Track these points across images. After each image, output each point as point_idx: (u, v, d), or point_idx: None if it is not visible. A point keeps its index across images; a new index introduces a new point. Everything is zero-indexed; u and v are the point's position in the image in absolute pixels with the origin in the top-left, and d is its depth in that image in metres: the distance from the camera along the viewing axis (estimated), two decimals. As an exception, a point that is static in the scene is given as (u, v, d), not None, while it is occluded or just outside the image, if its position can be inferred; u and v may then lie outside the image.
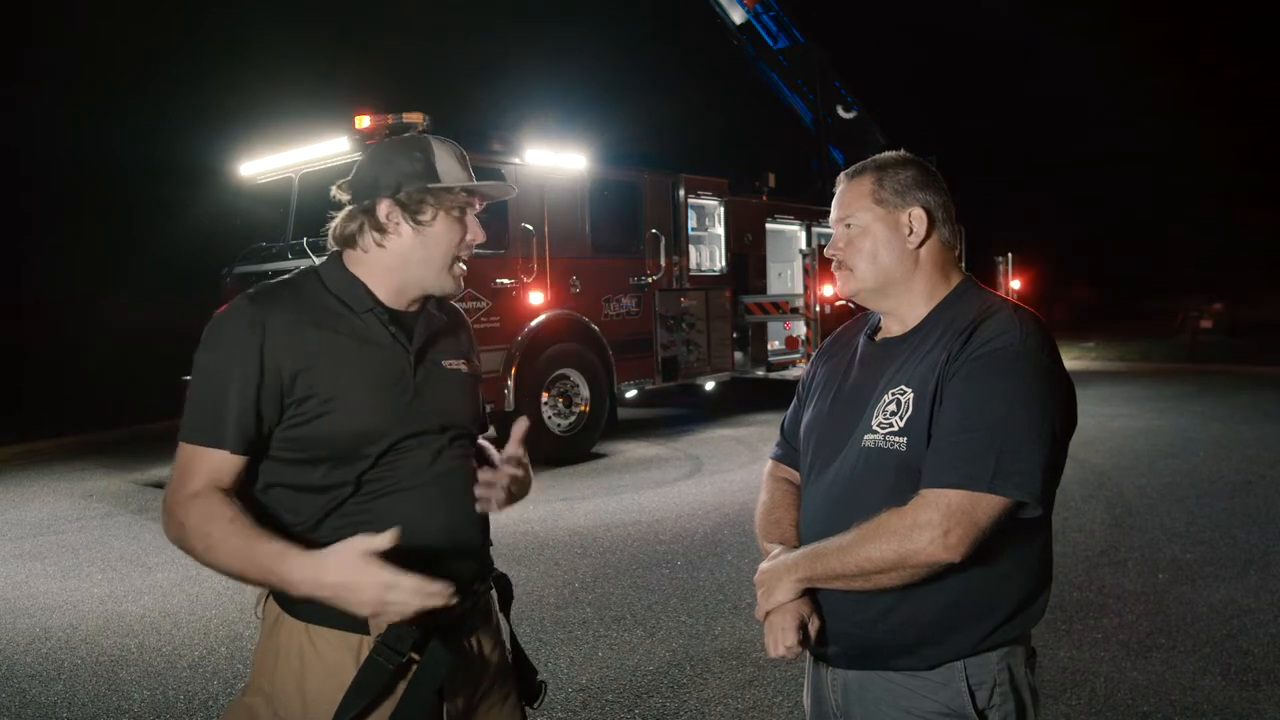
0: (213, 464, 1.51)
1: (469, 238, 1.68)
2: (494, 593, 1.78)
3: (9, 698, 3.76)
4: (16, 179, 16.74)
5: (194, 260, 11.55)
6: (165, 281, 15.66)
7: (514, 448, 1.71)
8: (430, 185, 1.61)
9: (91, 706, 3.65)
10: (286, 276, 1.67)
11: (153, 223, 16.68)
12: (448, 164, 1.64)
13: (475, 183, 1.67)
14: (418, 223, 1.62)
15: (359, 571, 1.39)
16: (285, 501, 1.57)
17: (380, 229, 1.63)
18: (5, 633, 4.51)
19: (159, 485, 7.98)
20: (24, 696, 3.76)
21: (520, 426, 1.71)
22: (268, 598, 1.62)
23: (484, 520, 1.73)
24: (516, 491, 1.73)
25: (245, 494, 1.55)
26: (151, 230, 16.67)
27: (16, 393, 13.16)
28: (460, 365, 1.74)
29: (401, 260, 1.64)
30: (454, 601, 1.43)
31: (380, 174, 1.63)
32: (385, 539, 1.39)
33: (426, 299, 1.72)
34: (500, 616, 1.79)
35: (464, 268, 1.70)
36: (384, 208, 1.62)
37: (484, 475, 1.65)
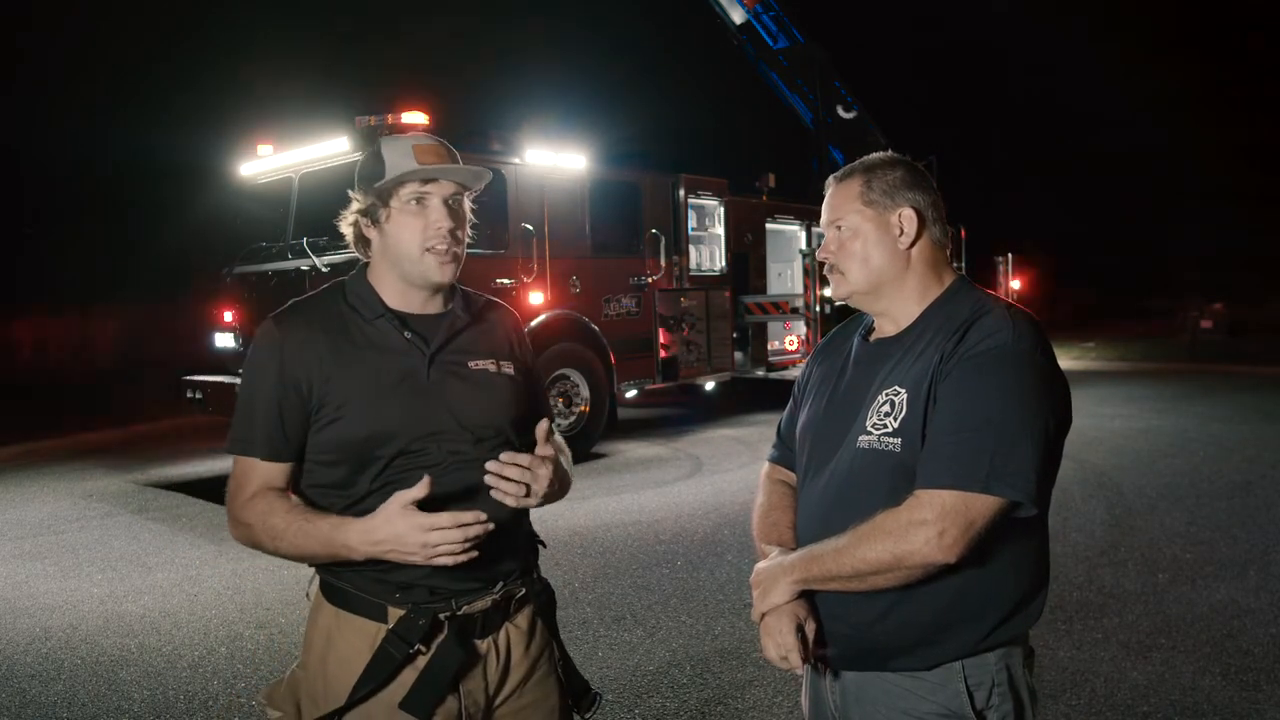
0: (259, 471, 1.65)
1: (434, 225, 1.67)
2: (531, 595, 1.79)
3: (9, 698, 3.76)
4: (16, 179, 16.74)
5: (194, 260, 11.55)
6: (165, 281, 15.67)
7: (541, 448, 1.68)
8: (375, 184, 1.67)
9: (91, 706, 3.65)
10: (316, 291, 1.78)
11: (153, 223, 16.68)
12: (395, 158, 1.67)
13: (417, 168, 1.65)
14: (376, 224, 1.70)
15: (401, 521, 1.50)
16: (316, 498, 1.67)
17: (362, 238, 1.74)
18: (5, 633, 4.51)
19: (159, 485, 7.98)
20: (24, 696, 3.76)
21: (541, 427, 1.71)
22: (315, 580, 1.71)
23: (514, 522, 1.72)
24: (552, 491, 1.70)
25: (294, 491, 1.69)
26: (151, 230, 16.67)
27: (17, 393, 13.17)
28: (488, 365, 1.75)
29: (383, 261, 1.72)
30: (489, 527, 1.53)
31: (354, 186, 1.73)
32: (420, 488, 1.51)
33: (449, 298, 1.77)
34: (540, 621, 1.80)
35: (438, 257, 1.67)
36: (354, 218, 1.73)
37: (492, 465, 1.62)
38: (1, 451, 10.01)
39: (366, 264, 1.77)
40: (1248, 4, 27.69)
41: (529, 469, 1.63)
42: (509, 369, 1.78)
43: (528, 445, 1.73)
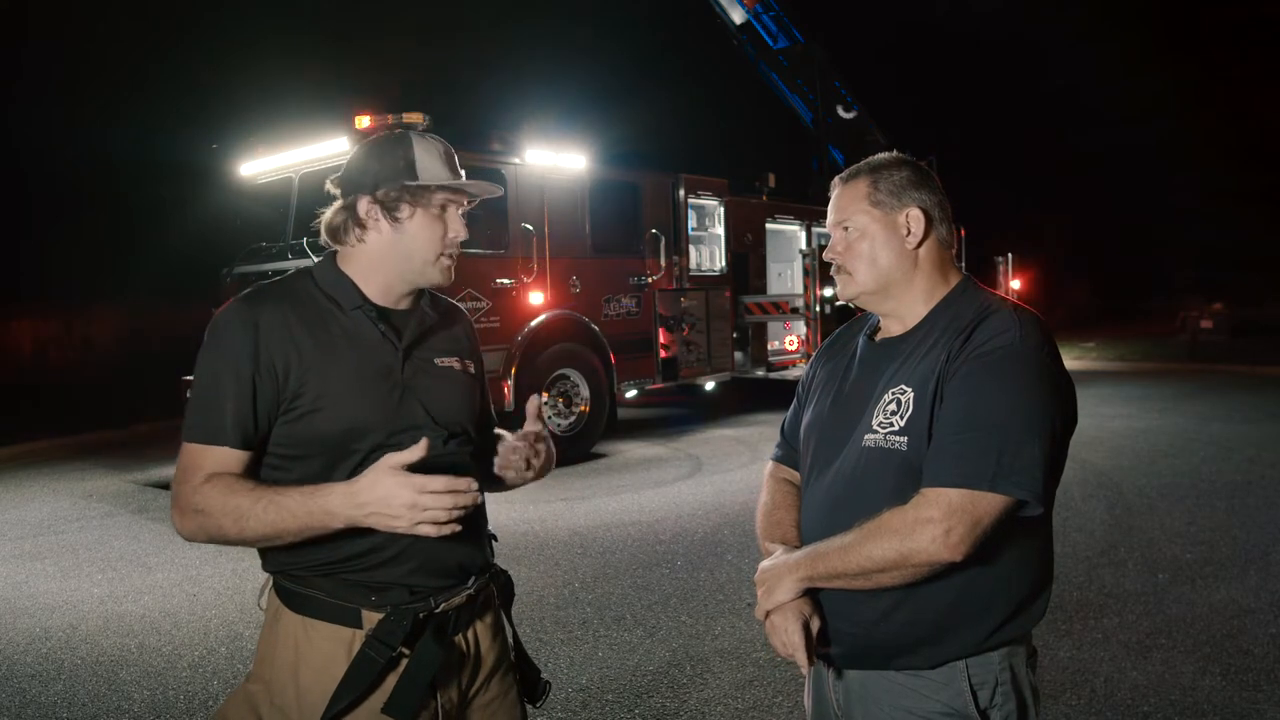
0: (216, 460, 1.54)
1: (451, 235, 1.69)
2: (494, 590, 1.79)
3: (9, 698, 3.76)
4: (16, 179, 16.73)
5: (194, 260, 11.54)
6: (165, 281, 15.66)
7: (531, 424, 1.75)
8: (407, 183, 1.64)
9: (91, 706, 3.65)
10: (280, 277, 1.70)
11: (152, 223, 16.68)
12: (428, 162, 1.66)
13: (455, 181, 1.68)
14: (395, 220, 1.65)
15: (390, 480, 1.46)
16: None
17: (361, 225, 1.66)
18: (5, 633, 4.51)
19: (159, 485, 7.98)
20: (24, 696, 3.76)
21: (533, 403, 1.76)
22: (269, 590, 1.66)
23: (481, 518, 1.74)
24: (540, 467, 1.78)
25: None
26: (151, 230, 16.67)
27: (17, 393, 13.16)
28: (453, 363, 1.75)
29: (382, 256, 1.67)
30: (478, 499, 1.52)
31: (363, 171, 1.67)
32: (414, 450, 1.47)
33: (419, 296, 1.74)
34: (502, 614, 1.81)
35: (449, 261, 1.70)
36: (363, 205, 1.66)
37: (504, 445, 1.74)
38: (1, 451, 10.01)
39: (334, 252, 1.72)
40: (1248, 2, 27.69)
41: (535, 445, 1.73)
42: (471, 367, 1.79)
43: (485, 442, 1.82)
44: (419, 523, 1.46)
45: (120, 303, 16.70)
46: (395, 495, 1.45)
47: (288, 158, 8.16)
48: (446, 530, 1.48)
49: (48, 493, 7.90)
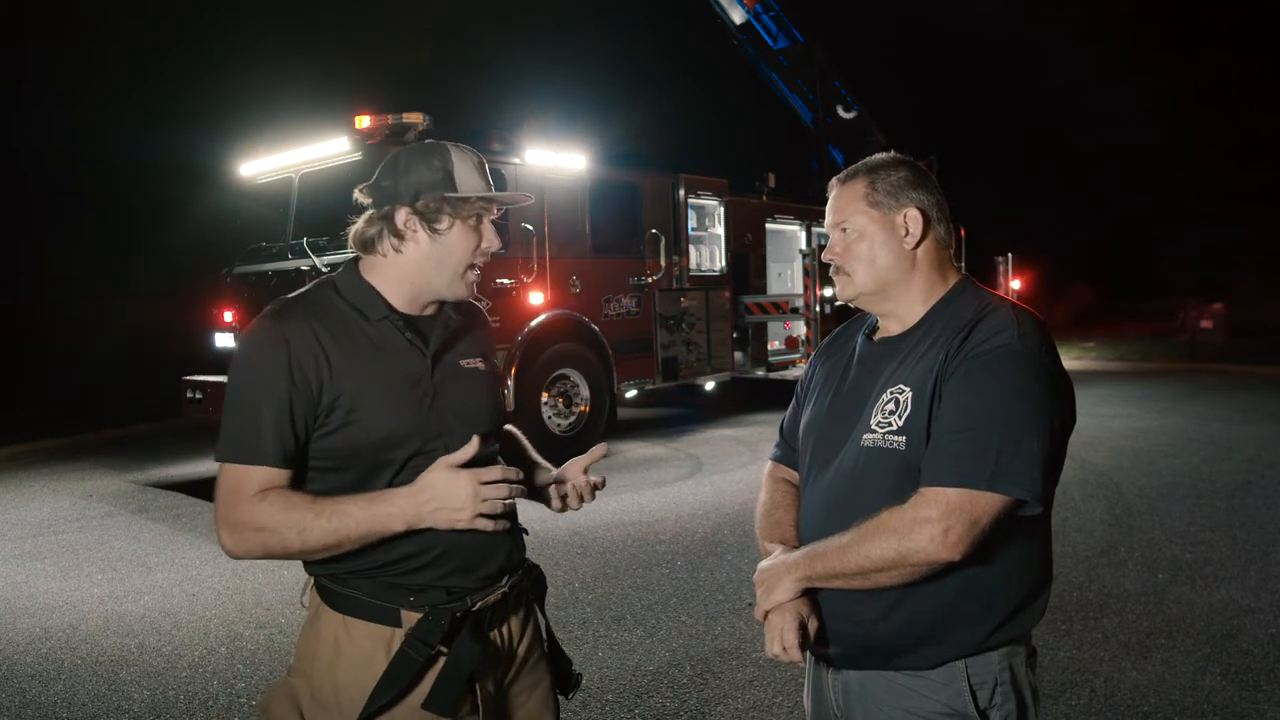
0: (261, 480, 1.54)
1: (484, 245, 1.71)
2: (528, 584, 1.82)
3: (9, 698, 3.76)
4: (16, 179, 16.72)
5: (194, 260, 11.54)
6: (165, 281, 15.65)
7: (595, 473, 1.98)
8: (448, 195, 1.65)
9: (91, 706, 3.65)
10: (304, 289, 1.70)
11: (153, 223, 16.67)
12: (466, 173, 1.68)
13: (493, 193, 1.70)
14: (434, 231, 1.66)
15: (453, 477, 1.54)
16: None
17: (398, 235, 1.66)
18: (5, 633, 4.51)
19: (159, 485, 7.98)
20: (24, 696, 3.76)
21: (601, 448, 2.01)
22: (311, 588, 1.68)
23: (513, 514, 1.75)
24: (577, 508, 1.97)
25: None
26: (151, 230, 16.66)
27: (16, 392, 13.16)
28: (478, 363, 1.77)
29: (417, 266, 1.68)
30: (523, 490, 1.66)
31: (400, 181, 1.66)
32: (468, 449, 1.57)
33: (442, 303, 1.75)
34: (535, 606, 1.84)
35: (477, 274, 1.73)
36: (402, 215, 1.65)
37: (571, 471, 1.95)
38: (1, 451, 10.01)
39: (356, 260, 1.72)
40: (1248, 2, 27.68)
41: (595, 490, 1.98)
42: (485, 365, 1.81)
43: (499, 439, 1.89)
44: (479, 514, 1.54)
45: (120, 303, 16.69)
46: (459, 488, 1.53)
47: (288, 158, 8.16)
48: (501, 526, 1.59)
49: (48, 493, 7.90)
